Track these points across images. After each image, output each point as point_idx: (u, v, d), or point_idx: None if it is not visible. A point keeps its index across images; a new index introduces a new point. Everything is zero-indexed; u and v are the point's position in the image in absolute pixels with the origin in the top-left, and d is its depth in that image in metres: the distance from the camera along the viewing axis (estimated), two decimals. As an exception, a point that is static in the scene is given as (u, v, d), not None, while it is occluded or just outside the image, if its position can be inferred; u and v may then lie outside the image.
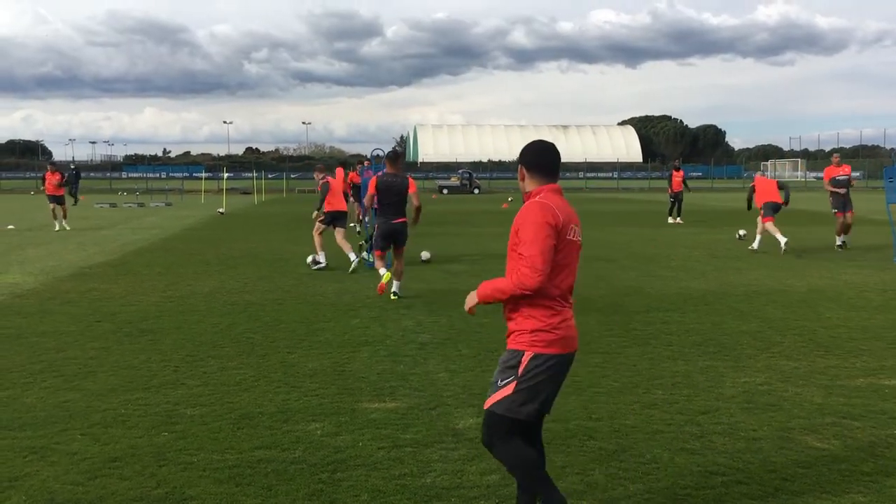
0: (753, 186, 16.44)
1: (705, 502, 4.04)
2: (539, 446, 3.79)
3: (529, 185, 3.61)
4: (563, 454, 4.69)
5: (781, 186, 16.15)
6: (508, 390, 3.48)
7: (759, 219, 15.82)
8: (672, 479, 4.31)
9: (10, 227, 22.45)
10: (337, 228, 13.43)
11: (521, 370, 3.48)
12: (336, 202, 13.54)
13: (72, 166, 38.90)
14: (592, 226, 24.10)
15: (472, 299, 3.72)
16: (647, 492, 4.17)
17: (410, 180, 10.30)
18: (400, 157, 10.62)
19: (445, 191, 57.54)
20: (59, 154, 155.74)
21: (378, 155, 16.00)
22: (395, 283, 10.25)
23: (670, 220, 24.68)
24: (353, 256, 13.00)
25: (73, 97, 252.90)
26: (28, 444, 4.87)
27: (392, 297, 10.15)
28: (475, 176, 63.05)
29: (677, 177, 25.06)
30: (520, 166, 3.63)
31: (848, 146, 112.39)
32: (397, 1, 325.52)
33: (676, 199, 24.77)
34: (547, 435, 4.99)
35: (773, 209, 15.64)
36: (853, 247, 16.29)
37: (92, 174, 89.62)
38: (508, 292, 3.49)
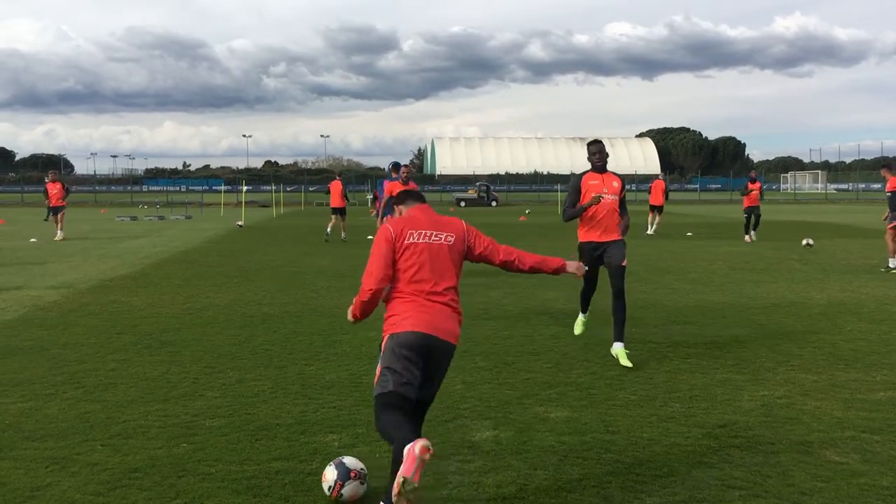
0: None
1: (723, 516, 4.03)
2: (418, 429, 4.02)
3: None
4: (580, 467, 4.68)
5: None
6: (377, 371, 4.06)
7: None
8: (689, 493, 4.30)
9: (33, 240, 22.72)
10: None
11: (381, 350, 4.11)
12: None
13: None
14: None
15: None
16: (663, 505, 4.16)
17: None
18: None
19: (463, 203, 57.63)
20: (81, 168, 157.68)
21: (396, 163, 16.18)
22: None
23: (747, 238, 21.64)
24: None
25: (95, 112, 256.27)
26: (49, 454, 4.93)
27: None
28: (493, 188, 63.11)
29: (754, 189, 21.86)
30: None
31: (869, 158, 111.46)
32: (413, 15, 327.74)
33: (753, 213, 21.85)
34: (563, 447, 5.00)
35: None
36: (877, 260, 16.10)
37: (113, 187, 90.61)
38: (357, 297, 4.24)
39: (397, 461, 3.61)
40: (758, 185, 22.01)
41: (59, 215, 23.02)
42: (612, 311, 7.46)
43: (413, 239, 4.17)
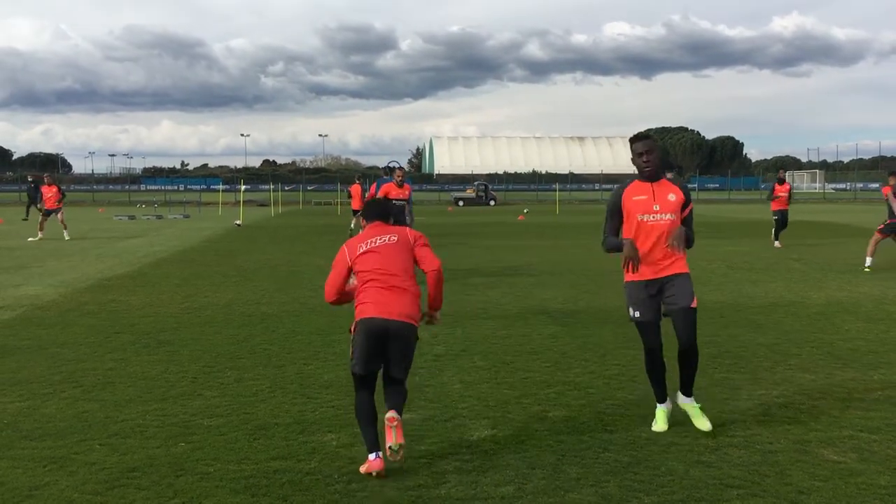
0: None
1: (721, 515, 4.04)
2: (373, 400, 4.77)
3: None
4: (578, 466, 4.69)
5: None
6: (350, 352, 4.86)
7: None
8: (687, 492, 4.30)
9: (31, 239, 22.70)
10: None
11: (351, 333, 4.86)
12: None
13: (29, 178, 38.60)
14: (608, 237, 24.07)
15: None
16: (661, 503, 4.17)
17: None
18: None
19: (461, 203, 57.62)
20: (79, 167, 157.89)
21: (392, 166, 16.16)
22: None
23: (777, 244, 19.34)
24: None
25: (92, 111, 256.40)
26: (48, 453, 4.93)
27: None
28: (491, 188, 63.08)
29: (782, 191, 19.79)
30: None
31: (867, 157, 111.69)
32: (411, 15, 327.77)
33: (783, 217, 19.66)
34: (561, 447, 5.00)
35: None
36: (875, 260, 16.11)
37: (111, 187, 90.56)
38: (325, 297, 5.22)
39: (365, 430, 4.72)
40: (786, 186, 20.15)
41: (59, 216, 22.94)
42: (680, 364, 5.47)
43: (362, 249, 5.00)
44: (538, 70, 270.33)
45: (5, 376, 6.84)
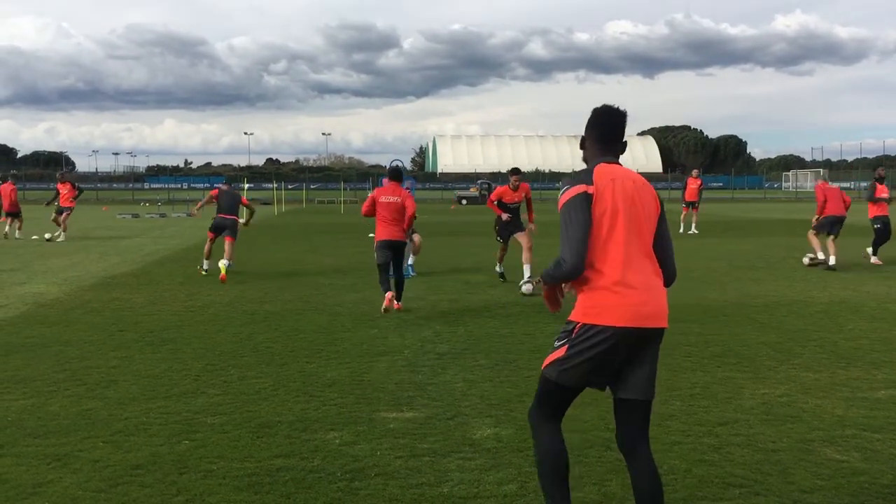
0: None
1: (723, 514, 4.04)
2: None
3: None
4: (581, 464, 4.69)
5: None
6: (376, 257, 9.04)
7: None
8: (689, 491, 4.30)
9: (35, 237, 22.74)
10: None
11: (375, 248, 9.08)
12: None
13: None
14: (611, 236, 24.02)
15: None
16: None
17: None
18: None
19: (464, 201, 57.60)
20: (83, 165, 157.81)
21: (396, 166, 16.17)
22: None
23: (874, 259, 15.60)
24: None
25: (96, 109, 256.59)
26: (51, 451, 4.94)
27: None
28: (494, 186, 62.95)
29: (883, 192, 15.85)
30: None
31: (871, 156, 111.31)
32: (413, 13, 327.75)
33: (886, 226, 15.57)
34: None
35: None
36: (880, 258, 16.09)
37: (114, 185, 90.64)
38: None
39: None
40: (884, 189, 15.98)
41: (62, 216, 22.53)
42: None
43: (381, 199, 10.04)
44: (541, 69, 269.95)
45: (9, 374, 6.86)
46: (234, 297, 11.31)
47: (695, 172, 25.70)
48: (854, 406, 5.86)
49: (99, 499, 4.21)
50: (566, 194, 3.37)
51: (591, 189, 3.32)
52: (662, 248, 3.46)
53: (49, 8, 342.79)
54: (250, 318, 9.65)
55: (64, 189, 22.85)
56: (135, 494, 4.27)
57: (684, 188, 25.55)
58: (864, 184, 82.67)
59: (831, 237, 14.74)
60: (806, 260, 15.25)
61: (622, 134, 3.54)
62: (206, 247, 14.39)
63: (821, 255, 14.86)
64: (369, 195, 10.20)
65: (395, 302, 9.97)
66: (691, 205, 24.82)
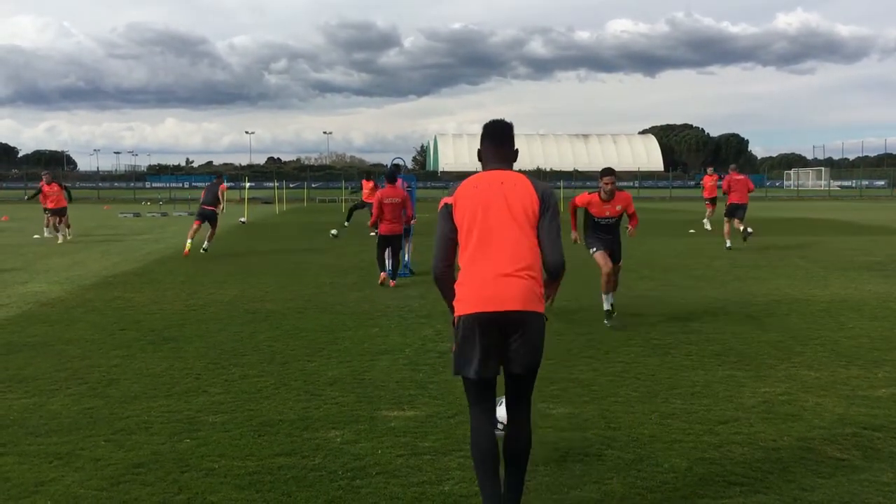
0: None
1: (723, 512, 4.04)
2: None
3: None
4: (582, 463, 4.69)
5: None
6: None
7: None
8: (690, 489, 4.31)
9: (36, 236, 22.74)
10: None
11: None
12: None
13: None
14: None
15: None
16: (664, 501, 4.18)
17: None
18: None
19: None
20: (84, 164, 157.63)
21: (397, 164, 16.18)
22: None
23: None
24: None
25: (97, 108, 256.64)
26: (53, 449, 4.95)
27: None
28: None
29: None
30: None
31: (872, 154, 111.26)
32: (413, 12, 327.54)
33: None
34: (565, 444, 5.01)
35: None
36: (880, 257, 16.09)
37: (116, 184, 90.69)
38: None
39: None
40: None
41: (64, 218, 21.53)
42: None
43: (385, 201, 12.10)
44: (541, 67, 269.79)
45: (11, 373, 6.87)
46: (235, 295, 11.32)
47: (709, 170, 26.80)
48: (855, 404, 5.86)
49: (100, 497, 4.22)
50: (439, 204, 3.86)
51: (450, 200, 3.78)
52: (542, 240, 3.76)
53: (49, 7, 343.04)
54: (252, 316, 9.66)
55: (52, 190, 21.64)
56: (136, 493, 4.28)
57: (703, 187, 26.46)
58: (865, 182, 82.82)
59: (735, 220, 17.77)
60: (743, 236, 17.48)
61: (508, 141, 4.02)
62: (191, 230, 17.84)
63: (746, 230, 17.41)
64: (375, 202, 12.44)
65: (391, 280, 12.26)
66: (712, 201, 25.46)
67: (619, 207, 9.03)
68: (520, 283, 3.65)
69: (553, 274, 3.84)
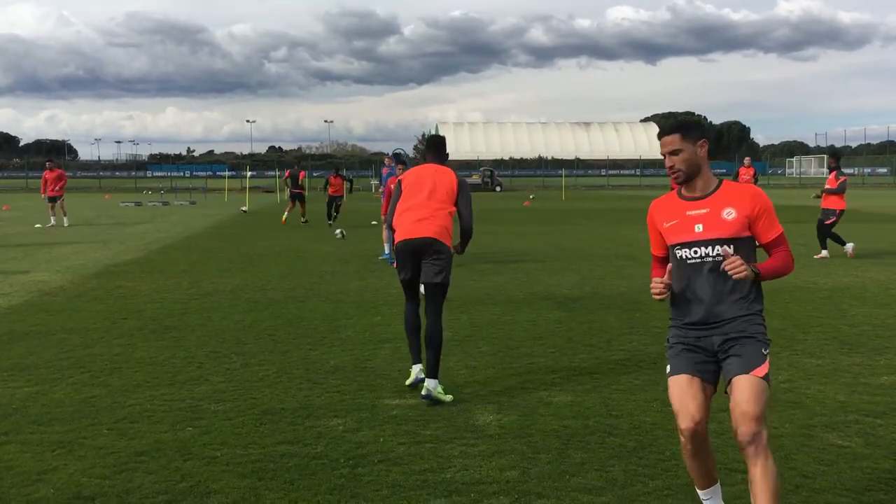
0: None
1: (725, 499, 4.04)
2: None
3: None
4: (583, 450, 4.70)
5: None
6: None
7: None
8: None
9: (38, 225, 22.77)
10: None
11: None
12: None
13: None
14: (615, 223, 24.04)
15: None
16: (666, 488, 4.18)
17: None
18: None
19: (467, 188, 57.39)
20: (85, 153, 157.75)
21: (398, 153, 16.17)
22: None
23: None
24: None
25: (97, 97, 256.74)
26: (56, 438, 4.96)
27: None
28: (497, 174, 62.87)
29: None
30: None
31: (875, 142, 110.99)
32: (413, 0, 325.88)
33: None
34: (566, 431, 5.02)
35: None
36: (883, 244, 16.08)
37: (117, 173, 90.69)
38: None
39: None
40: None
41: (58, 203, 22.77)
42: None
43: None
44: (542, 55, 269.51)
45: (14, 362, 6.89)
46: (237, 284, 11.32)
47: (746, 161, 24.84)
48: (856, 392, 5.86)
49: (103, 485, 4.23)
50: (394, 181, 6.38)
51: (401, 177, 6.21)
52: (460, 209, 6.10)
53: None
54: (253, 305, 9.66)
55: (52, 176, 22.89)
56: (139, 481, 4.29)
57: (736, 177, 25.31)
58: (867, 170, 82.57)
59: None
60: None
61: (442, 149, 6.32)
62: (287, 207, 22.43)
63: None
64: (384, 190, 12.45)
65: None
66: None
67: (731, 216, 3.74)
68: (431, 224, 5.83)
69: (465, 231, 6.20)
